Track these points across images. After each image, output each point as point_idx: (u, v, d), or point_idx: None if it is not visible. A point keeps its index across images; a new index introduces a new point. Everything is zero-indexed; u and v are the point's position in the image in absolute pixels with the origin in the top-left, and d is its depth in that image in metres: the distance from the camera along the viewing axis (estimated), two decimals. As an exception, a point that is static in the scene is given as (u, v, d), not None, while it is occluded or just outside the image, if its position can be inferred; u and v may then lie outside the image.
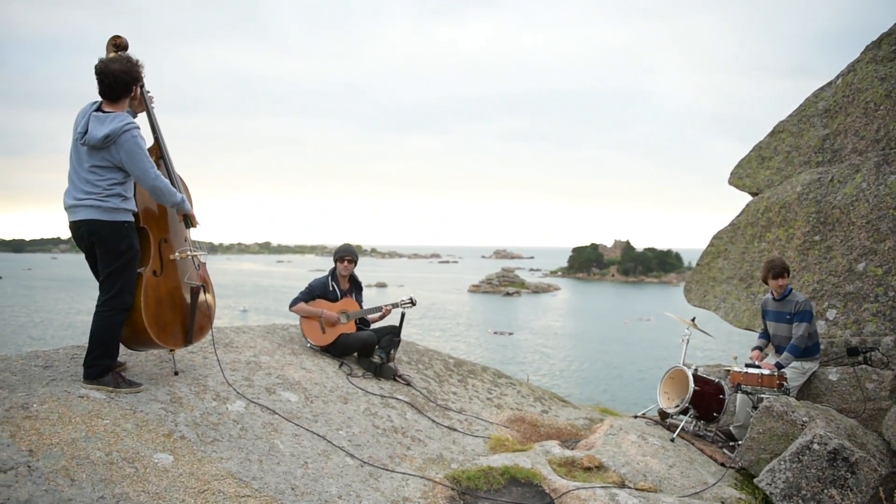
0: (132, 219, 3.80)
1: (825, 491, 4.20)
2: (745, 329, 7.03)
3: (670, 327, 57.20)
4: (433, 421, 5.26)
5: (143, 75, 3.87)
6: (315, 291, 5.89)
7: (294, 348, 5.65)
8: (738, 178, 8.07)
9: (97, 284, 3.80)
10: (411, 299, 6.00)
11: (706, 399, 5.54)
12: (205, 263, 4.39)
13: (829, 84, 7.48)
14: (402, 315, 5.99)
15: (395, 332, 5.91)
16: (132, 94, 3.79)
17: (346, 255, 5.96)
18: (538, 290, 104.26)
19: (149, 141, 3.92)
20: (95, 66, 3.66)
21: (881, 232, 6.02)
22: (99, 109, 3.68)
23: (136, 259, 3.79)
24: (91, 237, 3.70)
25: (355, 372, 5.59)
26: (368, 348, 5.80)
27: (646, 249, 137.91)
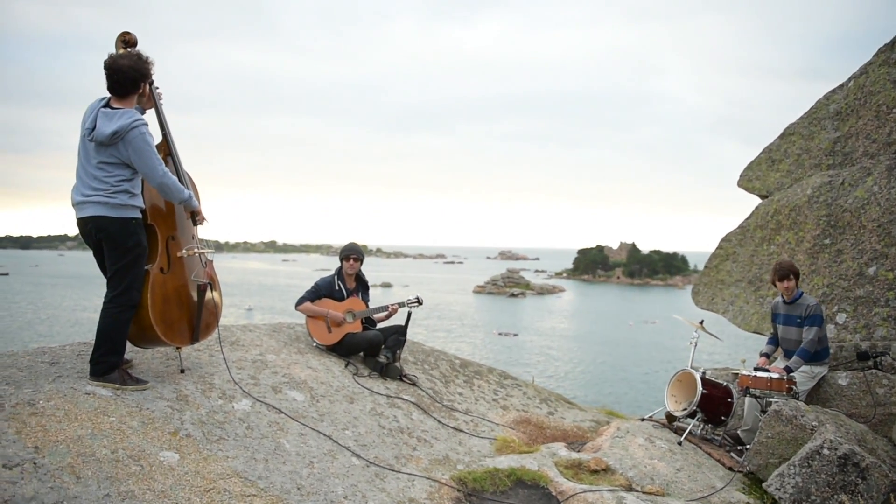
0: (140, 215, 3.79)
1: (835, 496, 4.16)
2: (754, 332, 6.98)
3: (675, 330, 57.01)
4: (439, 421, 5.23)
5: (152, 72, 3.86)
6: (321, 291, 5.87)
7: (300, 347, 5.64)
8: (748, 180, 8.02)
9: (104, 281, 3.79)
10: (418, 298, 5.98)
11: (714, 402, 5.49)
12: (212, 261, 4.38)
13: (841, 86, 7.42)
14: (409, 314, 5.97)
15: (401, 331, 5.89)
16: (140, 91, 3.78)
17: (352, 253, 5.94)
18: (543, 291, 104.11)
19: (157, 137, 3.91)
20: (104, 62, 3.65)
21: (892, 236, 5.96)
22: (107, 105, 3.67)
23: (143, 256, 3.78)
24: (99, 234, 3.69)
25: (361, 371, 5.57)
26: (374, 348, 5.78)
27: (651, 252, 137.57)
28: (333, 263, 6.51)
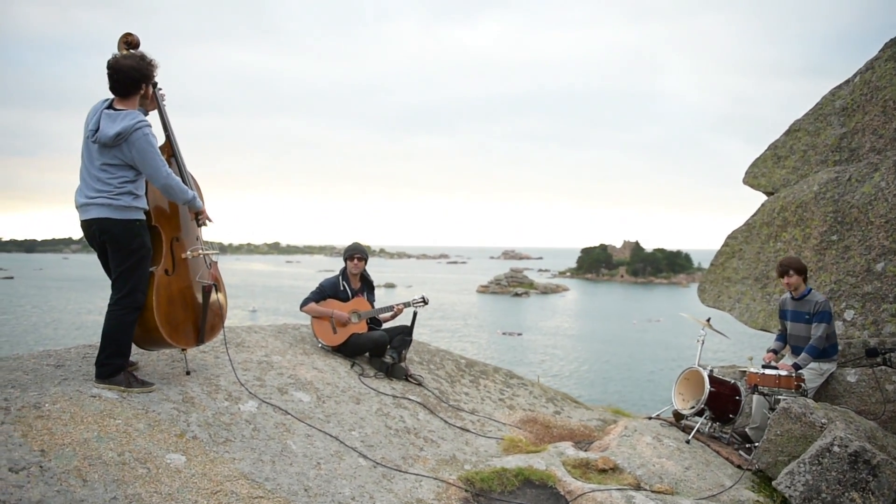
0: (143, 217, 3.78)
1: (846, 494, 4.12)
2: (761, 330, 6.94)
3: (679, 328, 56.89)
4: (445, 422, 5.21)
5: (155, 74, 3.85)
6: (326, 291, 5.85)
7: (305, 348, 5.62)
8: (753, 177, 7.98)
9: (109, 283, 3.78)
10: (423, 298, 5.96)
11: (722, 400, 5.46)
12: (216, 262, 4.36)
13: (847, 82, 7.37)
14: (415, 314, 5.95)
15: (406, 331, 5.86)
16: (142, 92, 3.76)
17: (356, 253, 5.92)
18: (547, 290, 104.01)
19: (160, 139, 3.89)
20: (108, 62, 3.65)
21: (900, 231, 5.92)
22: (110, 107, 3.66)
23: (147, 257, 3.77)
24: (102, 236, 3.68)
25: (367, 372, 5.55)
26: (380, 348, 5.76)
27: (655, 250, 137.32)
28: (337, 264, 6.49)
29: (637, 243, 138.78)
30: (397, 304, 5.96)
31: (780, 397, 5.08)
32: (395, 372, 5.69)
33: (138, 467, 3.08)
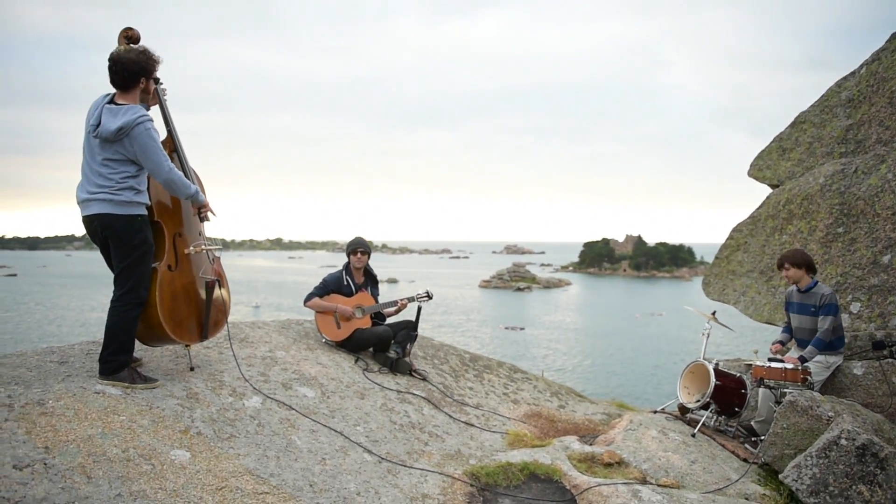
0: (145, 212, 3.75)
1: (853, 487, 4.09)
2: (766, 323, 6.91)
3: (682, 322, 56.86)
4: (450, 416, 5.19)
5: (157, 69, 3.82)
6: (329, 286, 5.83)
7: (309, 343, 5.61)
8: (759, 169, 7.93)
9: (112, 280, 3.76)
10: (427, 293, 5.93)
11: (728, 394, 5.44)
12: (219, 258, 4.34)
13: (853, 73, 7.31)
14: (419, 309, 5.93)
15: (411, 326, 5.85)
16: (141, 86, 3.73)
17: (359, 247, 5.90)
18: (549, 285, 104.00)
19: (162, 134, 3.87)
20: (110, 55, 3.63)
21: (907, 223, 5.88)
22: (112, 102, 3.64)
23: (150, 253, 3.75)
24: (104, 231, 3.65)
25: (371, 367, 5.54)
26: (384, 343, 5.74)
27: (658, 244, 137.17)
28: (340, 260, 6.47)
29: (639, 237, 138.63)
30: (401, 299, 5.94)
31: (786, 390, 5.06)
32: (399, 367, 5.67)
33: (143, 464, 3.06)
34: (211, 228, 4.25)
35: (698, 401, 5.45)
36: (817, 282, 5.55)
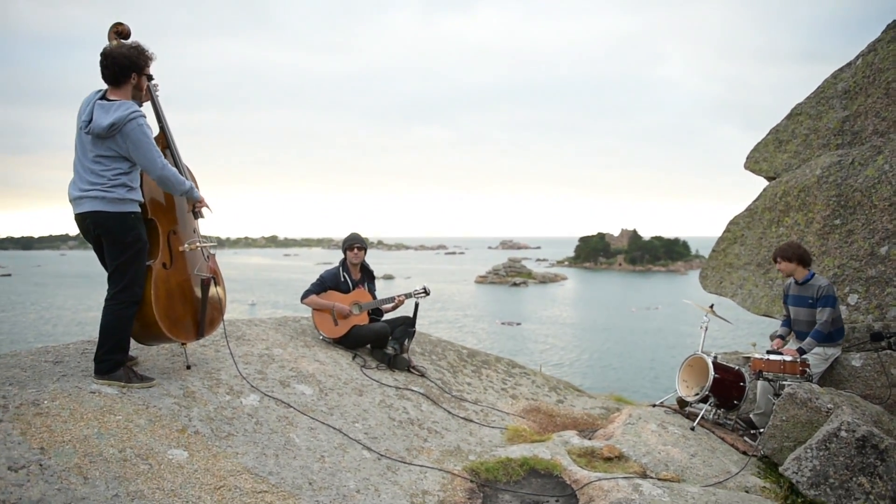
0: (139, 209, 3.71)
1: (854, 479, 4.09)
2: (764, 315, 6.91)
3: (678, 315, 57.00)
4: (449, 412, 5.17)
5: (149, 66, 3.77)
6: (326, 283, 5.80)
7: (307, 340, 5.58)
8: (755, 162, 7.91)
9: (106, 278, 3.72)
10: (425, 289, 5.91)
11: (726, 387, 5.43)
12: (214, 255, 4.30)
13: (849, 65, 7.30)
14: (416, 305, 5.90)
15: (409, 322, 5.82)
16: (133, 81, 3.68)
17: (355, 242, 5.87)
18: (545, 280, 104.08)
19: (154, 130, 3.82)
20: (102, 50, 3.58)
21: (904, 214, 5.87)
22: (104, 98, 3.59)
23: (144, 251, 3.71)
24: (97, 229, 3.61)
25: (369, 363, 5.51)
26: (382, 340, 5.72)
27: (653, 238, 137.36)
28: (335, 256, 6.44)
29: (635, 231, 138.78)
30: (398, 295, 5.91)
31: (784, 383, 5.05)
32: (397, 363, 5.64)
33: (140, 464, 3.03)
34: (206, 226, 4.22)
35: (697, 394, 5.44)
36: (814, 273, 5.54)
